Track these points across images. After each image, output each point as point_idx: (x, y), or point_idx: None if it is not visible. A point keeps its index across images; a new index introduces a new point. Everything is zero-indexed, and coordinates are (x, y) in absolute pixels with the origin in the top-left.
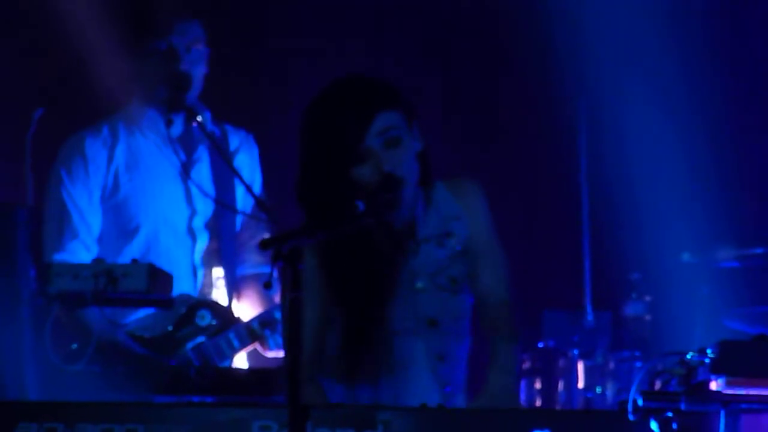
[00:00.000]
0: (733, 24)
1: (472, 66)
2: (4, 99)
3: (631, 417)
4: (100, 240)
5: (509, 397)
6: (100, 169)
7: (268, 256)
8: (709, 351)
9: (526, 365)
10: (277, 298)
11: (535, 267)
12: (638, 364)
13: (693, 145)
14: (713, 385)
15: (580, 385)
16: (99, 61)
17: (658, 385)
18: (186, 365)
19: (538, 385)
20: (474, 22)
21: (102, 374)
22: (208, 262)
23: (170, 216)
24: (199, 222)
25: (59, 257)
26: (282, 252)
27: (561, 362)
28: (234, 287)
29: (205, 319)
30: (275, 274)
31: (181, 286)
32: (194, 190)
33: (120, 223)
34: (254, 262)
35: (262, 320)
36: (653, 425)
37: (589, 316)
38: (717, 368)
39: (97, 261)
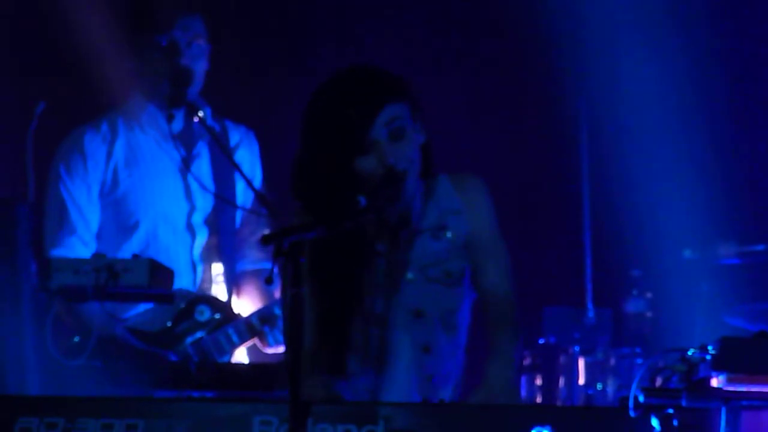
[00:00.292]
0: (734, 21)
1: (473, 63)
2: (5, 93)
3: (632, 413)
4: (99, 236)
5: (509, 391)
6: (99, 165)
7: (268, 253)
8: (710, 348)
9: (527, 361)
10: (276, 294)
11: (536, 263)
12: (639, 361)
13: (694, 142)
14: (714, 382)
15: (581, 381)
16: (101, 56)
17: (659, 381)
18: (186, 360)
19: (538, 382)
20: (473, 21)
21: (102, 369)
22: (208, 257)
23: (169, 212)
24: (198, 218)
25: (56, 253)
26: (283, 247)
27: (562, 359)
28: (233, 283)
29: (204, 314)
30: (276, 269)
31: (181, 281)
32: (193, 186)
33: (119, 219)
34: (254, 258)
35: (262, 316)
36: (654, 422)
37: (590, 313)
38: (718, 365)
39: (98, 256)
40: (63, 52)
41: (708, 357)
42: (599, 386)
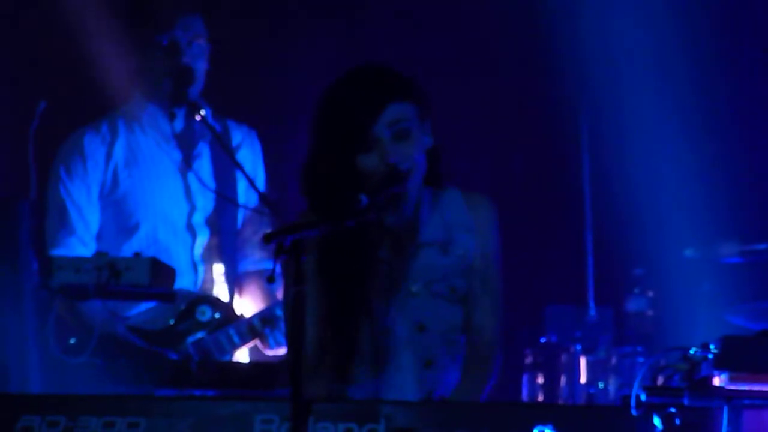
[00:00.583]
0: (735, 20)
1: (475, 65)
2: (7, 92)
3: (634, 412)
4: (100, 236)
5: None
6: (99, 166)
7: (270, 253)
8: (712, 346)
9: (529, 360)
10: (278, 294)
11: (538, 262)
12: (641, 360)
13: (696, 141)
14: (716, 381)
15: (583, 380)
16: (102, 55)
17: (660, 380)
18: (187, 359)
19: (540, 380)
20: (474, 23)
21: (104, 367)
22: (209, 258)
23: (169, 212)
24: (199, 218)
25: (57, 253)
26: (285, 245)
27: (563, 357)
28: (235, 283)
29: (205, 314)
30: (278, 268)
31: (182, 282)
32: (194, 187)
33: (119, 219)
34: (256, 259)
35: (263, 317)
36: (656, 420)
37: (592, 312)
38: (720, 364)
39: (100, 254)
40: (64, 52)
41: (710, 356)
42: (601, 385)
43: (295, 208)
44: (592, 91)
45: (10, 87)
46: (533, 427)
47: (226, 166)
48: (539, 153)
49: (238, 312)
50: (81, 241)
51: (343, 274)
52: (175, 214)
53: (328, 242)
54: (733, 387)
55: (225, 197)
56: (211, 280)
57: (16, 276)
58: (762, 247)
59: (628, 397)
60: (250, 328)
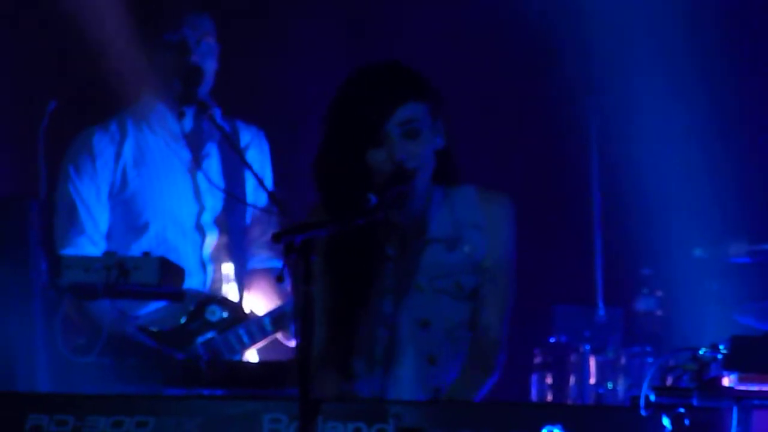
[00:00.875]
0: (746, 19)
1: (483, 65)
2: (17, 91)
3: (643, 412)
4: (109, 236)
5: None
6: (108, 165)
7: (278, 252)
8: (721, 347)
9: (538, 360)
10: (289, 291)
11: (546, 262)
12: (650, 360)
13: (704, 141)
14: (725, 381)
15: (592, 380)
16: (112, 55)
17: (669, 380)
18: (196, 358)
19: (549, 380)
20: (481, 24)
21: (112, 367)
22: (218, 257)
23: (178, 212)
24: (207, 218)
25: (66, 252)
26: (294, 245)
27: (572, 357)
28: (245, 282)
29: (215, 314)
30: (287, 267)
31: (191, 281)
32: (203, 186)
33: (128, 219)
34: (264, 258)
35: (274, 317)
36: (665, 421)
37: (601, 312)
38: (729, 364)
39: (109, 254)
40: (74, 51)
41: (719, 356)
42: (610, 385)
43: (303, 207)
44: (601, 91)
45: (21, 86)
46: (542, 427)
47: (234, 165)
48: (548, 153)
49: (247, 311)
50: (91, 241)
51: (351, 272)
52: (184, 214)
53: (337, 240)
54: (742, 387)
55: (234, 197)
56: (220, 280)
57: (25, 275)
58: None
59: (637, 397)
60: (260, 328)
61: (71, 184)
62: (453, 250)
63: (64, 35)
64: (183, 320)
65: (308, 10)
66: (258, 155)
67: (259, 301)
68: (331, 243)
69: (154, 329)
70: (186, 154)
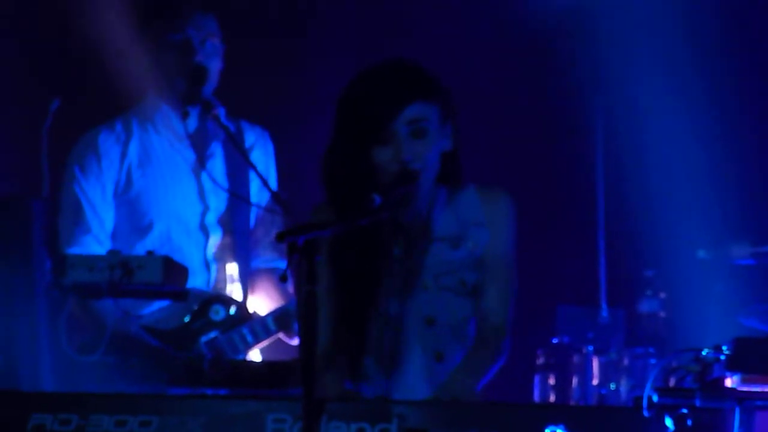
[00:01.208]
0: (751, 21)
1: (490, 64)
2: (20, 90)
3: (646, 413)
4: (114, 235)
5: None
6: (113, 165)
7: (282, 252)
8: (724, 348)
9: (541, 361)
10: (292, 291)
11: (550, 263)
12: (653, 361)
13: (709, 142)
14: (728, 382)
15: (595, 381)
16: (116, 54)
17: (672, 381)
18: (200, 358)
19: (552, 381)
20: (488, 22)
21: (116, 366)
22: (222, 257)
23: (183, 212)
24: (212, 218)
25: (72, 251)
26: (298, 245)
27: (575, 358)
28: (249, 282)
29: (219, 313)
30: (291, 267)
31: (195, 281)
32: (207, 186)
33: (133, 219)
34: (269, 258)
35: (277, 316)
36: (668, 422)
37: (604, 313)
38: (732, 365)
39: (113, 252)
40: (78, 50)
41: (722, 357)
42: (612, 386)
43: (307, 208)
44: (607, 92)
45: (24, 85)
46: (545, 427)
47: (239, 166)
48: (552, 153)
49: (251, 311)
50: (96, 240)
51: (356, 272)
52: (189, 214)
53: (342, 241)
54: (745, 388)
55: (238, 197)
56: (224, 280)
57: (29, 275)
58: None
59: (640, 398)
60: (263, 328)
61: (77, 183)
62: (457, 248)
63: (67, 34)
64: (187, 319)
65: (316, 11)
66: (262, 155)
67: (263, 302)
68: (336, 243)
69: (158, 328)
70: (190, 154)
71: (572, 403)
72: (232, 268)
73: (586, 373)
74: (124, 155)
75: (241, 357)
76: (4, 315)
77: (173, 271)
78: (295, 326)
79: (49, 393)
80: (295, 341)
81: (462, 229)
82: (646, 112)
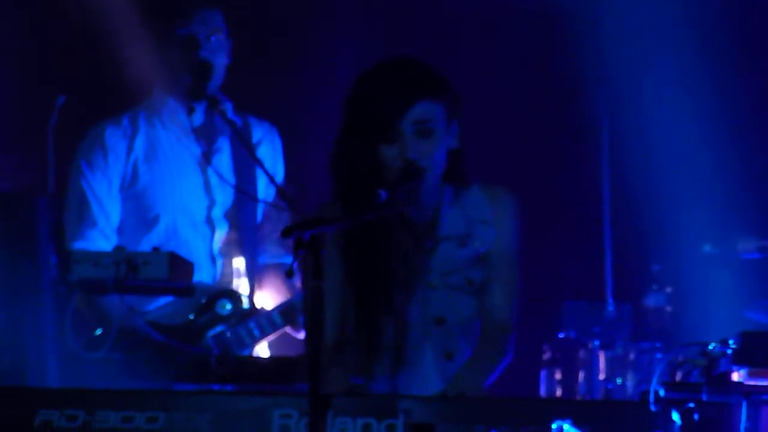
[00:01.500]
0: (757, 15)
1: (495, 61)
2: (26, 87)
3: (652, 408)
4: (120, 229)
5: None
6: (120, 159)
7: (289, 248)
8: (731, 342)
9: (547, 356)
10: (299, 286)
11: (556, 258)
12: (659, 356)
13: (715, 136)
14: (735, 376)
15: (601, 376)
16: (121, 49)
17: (679, 376)
18: (207, 353)
19: (558, 376)
20: (491, 16)
21: (123, 362)
22: (228, 252)
23: (189, 206)
24: (218, 212)
25: (78, 246)
26: (304, 240)
27: (581, 353)
28: (256, 277)
29: (225, 308)
30: (296, 262)
31: (200, 275)
32: (213, 181)
33: (139, 212)
34: (275, 253)
35: (283, 310)
36: (675, 416)
37: (610, 307)
38: (739, 359)
39: (118, 249)
40: (83, 46)
41: (729, 351)
42: (619, 381)
43: (315, 203)
44: (612, 87)
45: (29, 81)
46: (551, 422)
47: (245, 161)
48: (558, 148)
49: (258, 305)
50: (102, 234)
51: (364, 268)
52: (195, 208)
53: (349, 237)
54: (752, 382)
55: (244, 192)
56: (231, 274)
57: (35, 271)
58: None
59: (647, 392)
60: (270, 322)
61: (83, 178)
62: (464, 247)
63: (73, 30)
64: (193, 315)
65: (325, 6)
66: (270, 151)
67: (271, 297)
68: (344, 239)
69: (164, 324)
70: (196, 149)
71: (579, 398)
72: (239, 263)
73: (592, 368)
74: (130, 149)
75: (247, 351)
76: (10, 311)
77: (179, 267)
78: (301, 320)
79: (56, 389)
80: (302, 335)
81: (469, 228)
82: (652, 107)
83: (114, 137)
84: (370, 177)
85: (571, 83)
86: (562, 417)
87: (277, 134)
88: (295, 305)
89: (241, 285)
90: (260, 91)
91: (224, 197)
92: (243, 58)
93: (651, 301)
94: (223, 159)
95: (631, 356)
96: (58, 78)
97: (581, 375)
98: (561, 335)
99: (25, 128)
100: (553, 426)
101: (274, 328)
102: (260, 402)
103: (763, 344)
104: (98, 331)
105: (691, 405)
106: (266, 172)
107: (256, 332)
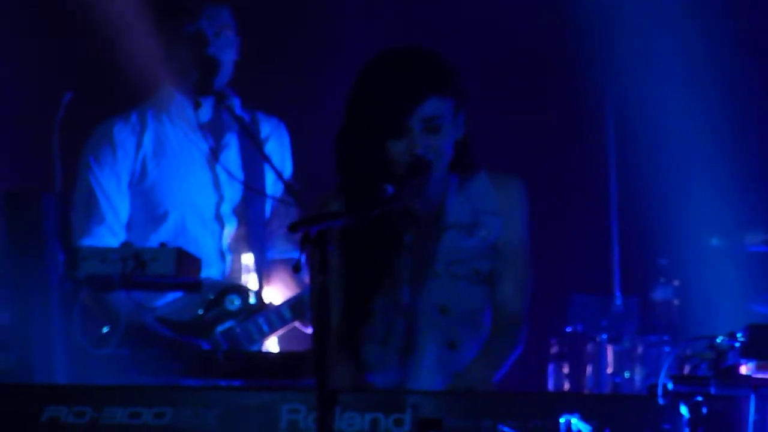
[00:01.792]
0: (764, 10)
1: (500, 55)
2: (32, 83)
3: (660, 401)
4: (129, 226)
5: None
6: (129, 156)
7: (297, 243)
8: (738, 335)
9: (554, 349)
10: (307, 281)
11: (563, 251)
12: (667, 349)
13: (721, 130)
14: (743, 369)
15: (609, 369)
16: (129, 45)
17: (687, 369)
18: (214, 349)
19: (566, 370)
20: (500, 14)
21: (130, 358)
22: (237, 247)
23: (198, 202)
24: (227, 208)
25: (86, 242)
26: (311, 235)
27: (589, 347)
28: (265, 273)
29: (234, 303)
30: (303, 257)
31: (209, 271)
32: (222, 177)
33: (148, 209)
34: (283, 249)
35: (292, 305)
36: (683, 409)
37: (618, 301)
38: (747, 352)
39: (126, 245)
40: (90, 42)
41: (737, 344)
42: (627, 374)
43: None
44: (619, 80)
45: (36, 78)
46: (560, 416)
47: (253, 157)
48: (565, 142)
49: (266, 301)
50: (110, 230)
51: (368, 262)
52: (203, 204)
53: (354, 230)
54: (760, 375)
55: (251, 188)
56: (240, 270)
57: (42, 268)
58: None
59: (655, 385)
60: (279, 317)
61: (91, 174)
62: (471, 236)
63: (80, 27)
64: (202, 310)
65: (334, 5)
66: (278, 146)
67: (280, 292)
68: (348, 232)
69: (173, 320)
70: (204, 145)
71: (586, 391)
72: (248, 259)
73: (600, 362)
74: (139, 146)
75: (257, 346)
76: (17, 309)
77: (186, 262)
78: (310, 313)
79: (63, 385)
80: (311, 330)
81: (475, 216)
82: (659, 99)
83: (123, 133)
84: (376, 172)
85: (578, 78)
86: (570, 411)
87: (285, 130)
88: (304, 300)
89: (250, 280)
90: (268, 88)
91: (233, 193)
92: (252, 55)
93: (659, 295)
94: (231, 155)
95: (639, 350)
96: (64, 75)
97: (589, 369)
98: (568, 329)
99: (31, 125)
100: (561, 420)
101: (283, 322)
102: (268, 397)
103: None
104: (106, 329)
105: (699, 398)
106: (274, 168)
107: (265, 327)
